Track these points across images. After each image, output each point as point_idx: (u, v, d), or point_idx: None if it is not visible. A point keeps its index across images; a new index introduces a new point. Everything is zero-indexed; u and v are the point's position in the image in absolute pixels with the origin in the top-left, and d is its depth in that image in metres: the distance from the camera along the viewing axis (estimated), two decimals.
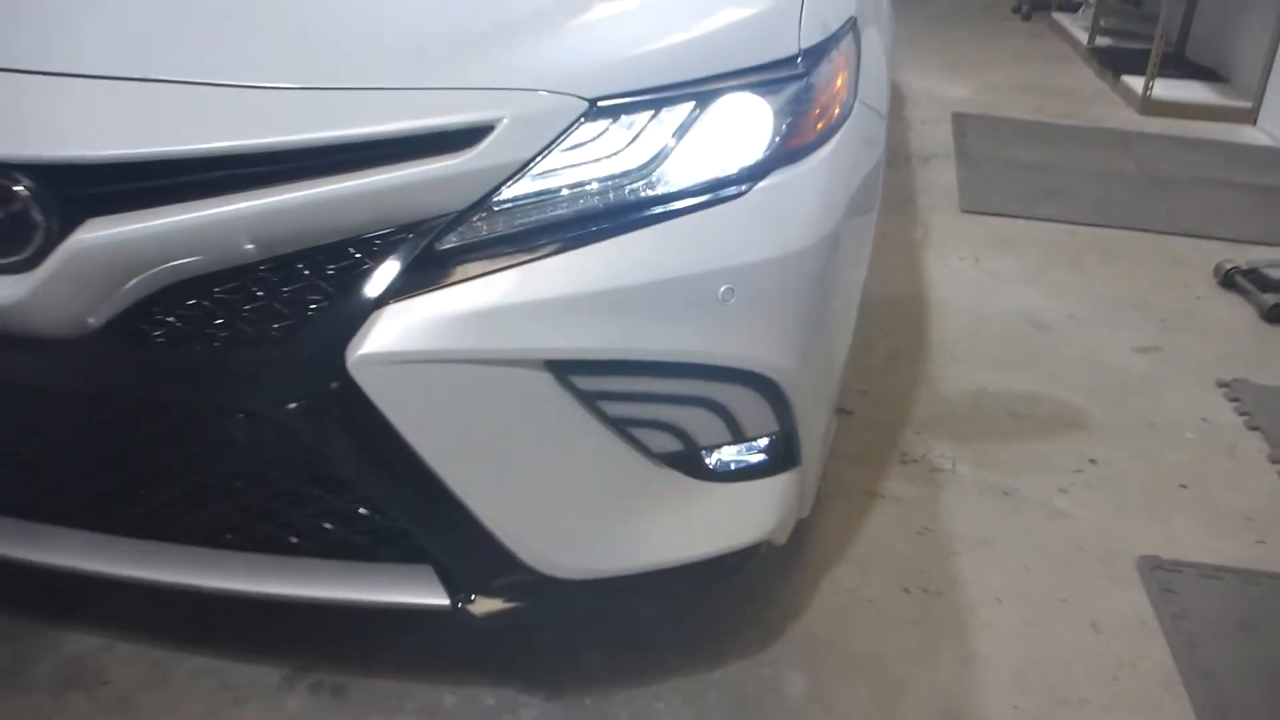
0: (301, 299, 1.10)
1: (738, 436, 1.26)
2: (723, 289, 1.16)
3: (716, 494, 1.30)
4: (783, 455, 1.31)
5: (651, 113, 1.16)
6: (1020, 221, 3.29)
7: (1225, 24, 5.03)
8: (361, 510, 1.22)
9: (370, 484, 1.18)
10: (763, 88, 1.20)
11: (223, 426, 1.17)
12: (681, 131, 1.16)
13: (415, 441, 1.11)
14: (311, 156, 1.06)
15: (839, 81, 1.34)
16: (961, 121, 4.35)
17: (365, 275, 1.09)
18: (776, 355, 1.22)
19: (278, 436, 1.16)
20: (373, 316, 1.08)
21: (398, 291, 1.09)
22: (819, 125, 1.27)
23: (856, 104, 1.38)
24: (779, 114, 1.21)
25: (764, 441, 1.29)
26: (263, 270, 1.09)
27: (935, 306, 2.66)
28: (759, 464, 1.31)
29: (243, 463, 1.19)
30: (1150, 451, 2.08)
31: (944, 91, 4.85)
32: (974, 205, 3.40)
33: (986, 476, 1.96)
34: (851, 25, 1.43)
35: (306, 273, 1.10)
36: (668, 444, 1.23)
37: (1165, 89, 4.66)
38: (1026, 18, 6.80)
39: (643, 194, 1.16)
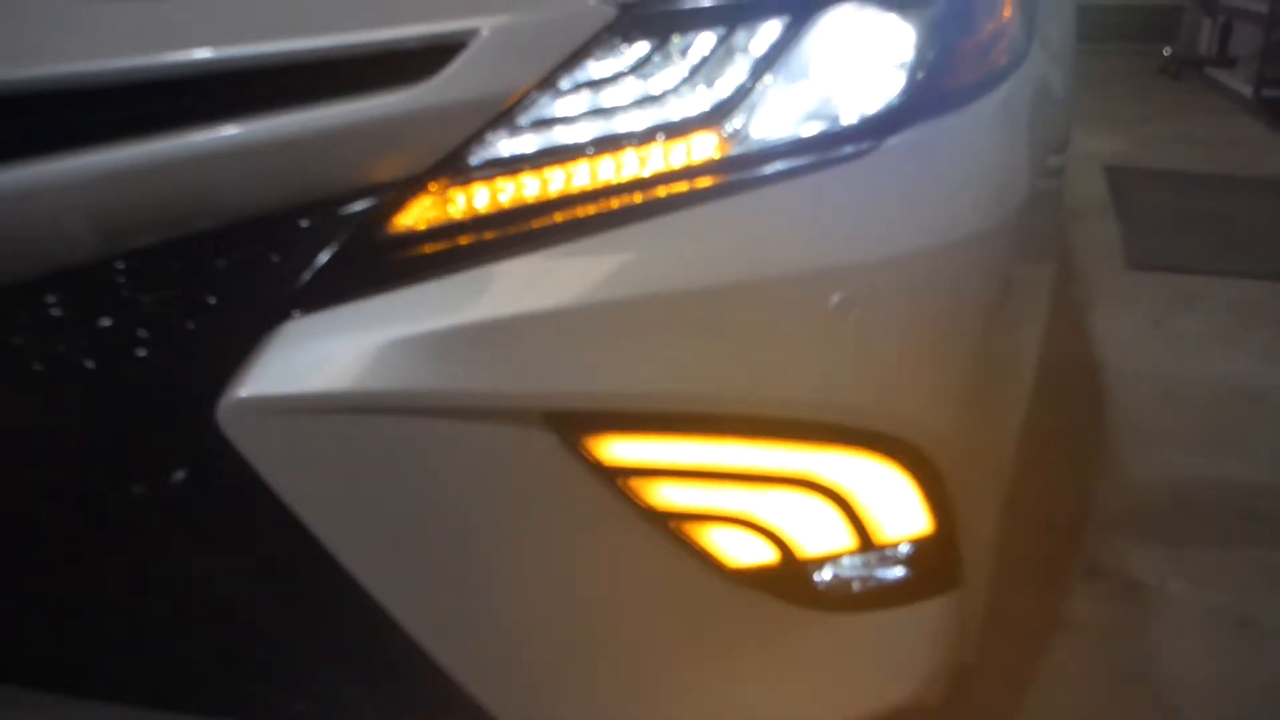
0: (162, 314, 0.70)
1: (865, 540, 0.80)
2: (836, 298, 0.72)
3: (830, 630, 0.83)
4: (935, 569, 0.84)
5: (721, 31, 0.74)
6: (1202, 278, 2.73)
7: None
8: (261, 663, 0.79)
9: (262, 622, 0.75)
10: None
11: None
12: (768, 60, 0.74)
13: (337, 546, 0.69)
14: (181, 91, 0.68)
15: (1006, 8, 0.90)
16: (1117, 174, 3.80)
17: (257, 277, 0.69)
18: (925, 407, 0.76)
19: (109, 536, 0.75)
20: (264, 340, 0.68)
21: (307, 301, 0.68)
22: (985, 62, 0.83)
23: (1034, 49, 0.94)
24: (923, 36, 0.77)
25: (905, 548, 0.83)
26: (115, 270, 0.70)
27: (1110, 374, 2.13)
28: (898, 582, 0.83)
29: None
30: None
31: (1092, 146, 4.30)
32: (1144, 260, 2.85)
33: (1210, 598, 1.41)
34: None
35: (171, 273, 0.70)
36: (750, 551, 0.78)
37: None
38: (1176, 75, 6.19)
39: (706, 154, 0.74)
